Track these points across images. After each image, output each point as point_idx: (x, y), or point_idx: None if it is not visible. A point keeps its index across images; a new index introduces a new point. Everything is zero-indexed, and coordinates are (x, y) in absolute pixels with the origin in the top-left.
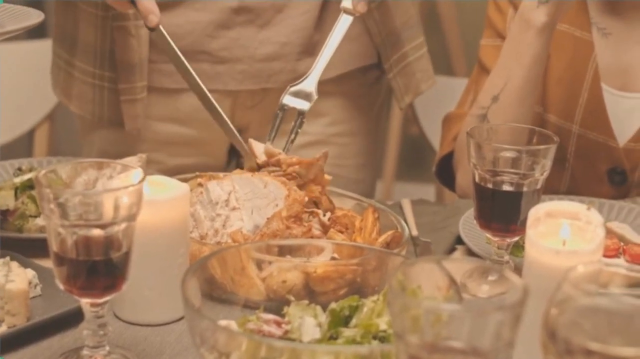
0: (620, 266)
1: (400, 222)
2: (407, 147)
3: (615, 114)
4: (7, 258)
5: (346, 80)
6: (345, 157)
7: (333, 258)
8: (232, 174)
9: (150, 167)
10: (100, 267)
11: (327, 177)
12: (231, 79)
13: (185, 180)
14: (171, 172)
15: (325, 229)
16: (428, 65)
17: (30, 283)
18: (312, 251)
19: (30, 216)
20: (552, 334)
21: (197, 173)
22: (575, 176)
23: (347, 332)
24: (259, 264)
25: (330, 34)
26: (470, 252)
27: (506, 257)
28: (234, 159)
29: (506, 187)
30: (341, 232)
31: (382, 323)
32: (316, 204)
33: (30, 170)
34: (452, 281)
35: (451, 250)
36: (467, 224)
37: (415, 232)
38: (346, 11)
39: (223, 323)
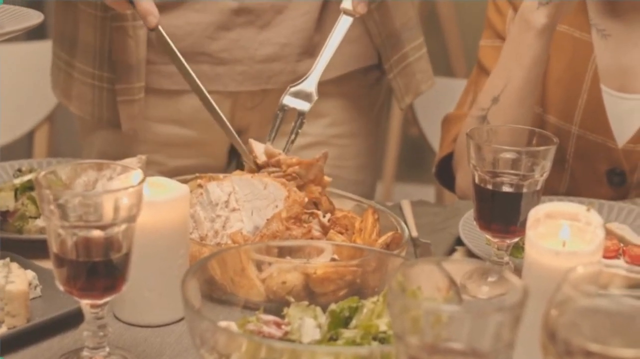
0: (620, 267)
1: (400, 224)
2: (406, 148)
3: (615, 115)
4: (7, 259)
5: (346, 81)
6: (345, 158)
7: (333, 259)
8: (232, 176)
9: (151, 168)
10: (100, 268)
11: (326, 178)
12: (231, 80)
13: (185, 181)
14: (171, 173)
15: (325, 230)
16: (428, 66)
17: (30, 284)
18: (312, 252)
19: (30, 217)
20: (552, 335)
21: (197, 174)
22: (574, 177)
23: (347, 333)
24: (259, 265)
25: (330, 34)
26: (470, 254)
27: (506, 259)
28: (234, 160)
29: (506, 189)
30: (341, 233)
31: (382, 324)
32: (316, 204)
33: (30, 171)
34: (452, 282)
35: (451, 251)
36: (467, 225)
37: (415, 234)
38: (346, 12)
39: (223, 324)
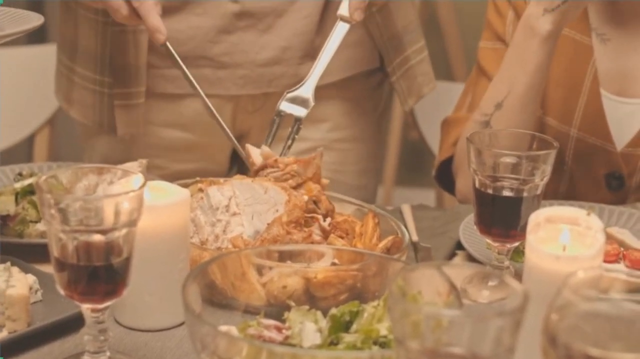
0: (620, 271)
1: (401, 228)
2: (407, 152)
3: (614, 118)
4: (8, 263)
5: (349, 84)
6: (347, 163)
7: (333, 264)
8: (232, 180)
9: (153, 172)
10: (101, 272)
11: (324, 180)
12: (232, 84)
13: (185, 185)
14: (173, 177)
15: (325, 234)
16: (429, 68)
17: (31, 288)
18: (312, 256)
19: (31, 221)
20: (552, 339)
21: (198, 178)
22: (573, 180)
23: (348, 337)
24: (260, 270)
25: (327, 40)
26: (471, 258)
27: (506, 263)
28: (236, 164)
29: (506, 193)
30: (341, 237)
31: (383, 329)
32: (316, 203)
33: (31, 175)
34: (453, 286)
35: (451, 255)
36: (467, 229)
37: (415, 238)
38: (342, 19)
39: (224, 328)
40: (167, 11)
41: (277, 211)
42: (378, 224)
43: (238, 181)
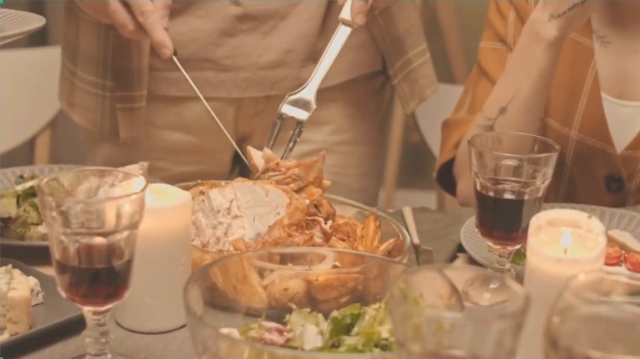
0: (621, 274)
1: (402, 230)
2: (408, 155)
3: (614, 121)
4: (9, 266)
5: (351, 87)
6: (348, 165)
7: (335, 266)
8: (233, 182)
9: (155, 174)
10: (102, 275)
11: (325, 182)
12: (235, 87)
13: (186, 188)
14: (175, 179)
15: (326, 237)
16: (431, 71)
17: (32, 290)
18: (313, 259)
19: (32, 224)
20: (553, 342)
21: (199, 181)
22: (572, 181)
23: (349, 340)
24: (261, 272)
25: (329, 44)
26: (472, 261)
27: (508, 266)
28: (238, 166)
29: (508, 196)
30: (343, 240)
31: (384, 331)
32: (317, 207)
33: (32, 178)
34: (454, 289)
35: (453, 258)
36: (469, 232)
37: (416, 241)
38: (344, 22)
39: (225, 331)
40: (169, 14)
41: (278, 213)
42: (379, 226)
43: (239, 183)
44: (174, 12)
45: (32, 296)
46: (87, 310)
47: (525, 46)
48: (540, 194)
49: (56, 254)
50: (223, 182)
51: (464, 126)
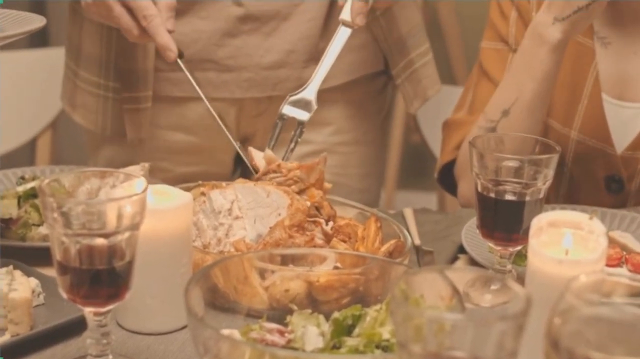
0: (622, 275)
1: (403, 232)
2: (409, 156)
3: (614, 122)
4: (10, 267)
5: (353, 87)
6: (349, 166)
7: (336, 267)
8: (234, 183)
9: (157, 175)
10: (103, 276)
11: (327, 184)
12: (237, 87)
13: (188, 189)
14: (177, 180)
15: (328, 238)
16: (433, 71)
17: (33, 291)
18: (314, 260)
19: (33, 225)
20: (555, 344)
21: (200, 182)
22: (573, 182)
23: (350, 341)
24: (262, 273)
25: (330, 45)
26: (473, 262)
27: (509, 267)
28: (240, 167)
29: (509, 197)
30: (344, 241)
31: (385, 332)
32: (318, 209)
33: (33, 179)
34: (455, 290)
35: (454, 259)
36: (470, 233)
37: (417, 242)
38: (345, 23)
39: (226, 332)
40: None
41: (279, 214)
42: (380, 227)
43: (240, 184)
44: (176, 13)
45: (33, 297)
46: (88, 311)
47: (528, 49)
48: (541, 196)
49: (57, 255)
50: (224, 183)
51: (464, 126)
